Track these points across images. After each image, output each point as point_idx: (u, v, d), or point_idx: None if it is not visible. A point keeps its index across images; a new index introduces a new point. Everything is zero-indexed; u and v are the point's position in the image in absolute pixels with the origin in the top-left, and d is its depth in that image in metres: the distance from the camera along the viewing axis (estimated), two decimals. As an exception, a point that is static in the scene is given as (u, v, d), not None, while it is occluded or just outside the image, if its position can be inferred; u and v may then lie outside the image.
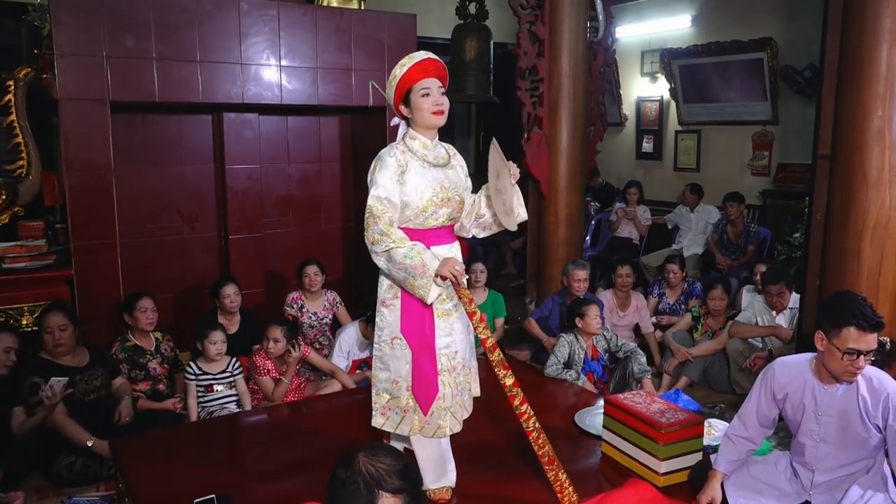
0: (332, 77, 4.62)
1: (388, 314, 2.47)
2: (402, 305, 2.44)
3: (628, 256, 5.98)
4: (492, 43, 6.32)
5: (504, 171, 2.49)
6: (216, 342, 3.73)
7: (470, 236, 2.67)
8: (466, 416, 2.56)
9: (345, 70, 4.66)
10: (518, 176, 2.55)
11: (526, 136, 5.12)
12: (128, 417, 3.51)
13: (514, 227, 2.58)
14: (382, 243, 2.33)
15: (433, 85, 2.40)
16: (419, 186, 2.38)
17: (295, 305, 4.53)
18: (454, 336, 2.49)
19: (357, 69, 4.68)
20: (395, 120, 2.53)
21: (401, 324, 2.44)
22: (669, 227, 6.86)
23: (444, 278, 2.31)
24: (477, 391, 2.66)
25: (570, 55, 4.95)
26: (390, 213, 2.35)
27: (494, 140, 2.49)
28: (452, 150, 2.59)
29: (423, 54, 2.41)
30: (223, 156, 4.64)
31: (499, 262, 7.52)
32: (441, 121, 2.45)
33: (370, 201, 2.35)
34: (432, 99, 2.40)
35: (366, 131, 5.13)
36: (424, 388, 2.42)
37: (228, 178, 4.65)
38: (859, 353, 2.16)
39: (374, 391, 2.52)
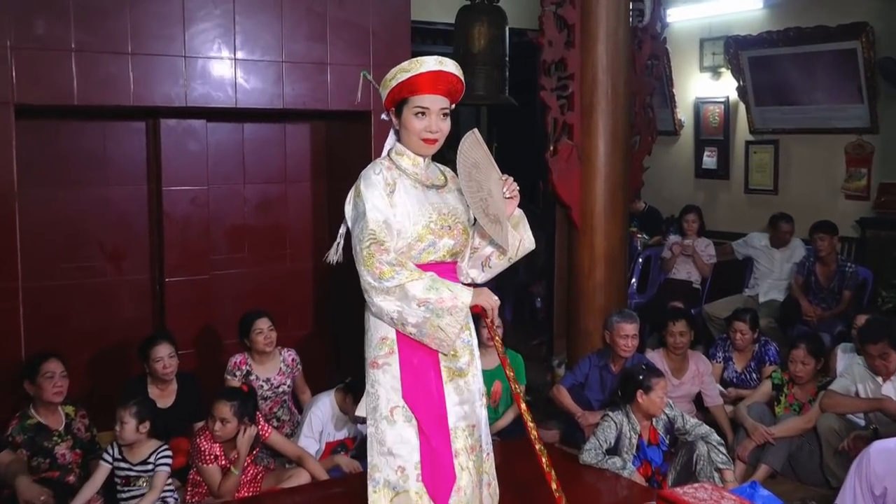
0: (301, 73, 4.66)
1: (383, 376, 2.43)
2: (402, 363, 2.41)
3: (686, 305, 5.93)
4: (507, 29, 6.38)
5: (486, 163, 2.48)
6: (126, 423, 3.65)
7: (468, 281, 2.63)
8: None
9: (318, 64, 4.69)
10: (515, 188, 2.54)
11: (552, 148, 5.14)
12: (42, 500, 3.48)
13: (503, 241, 2.52)
14: (394, 277, 2.30)
15: (434, 106, 2.42)
16: (411, 211, 2.39)
17: (239, 372, 4.42)
18: (471, 405, 2.47)
19: (334, 63, 4.72)
20: (385, 115, 2.55)
21: (402, 388, 2.41)
22: (739, 258, 6.77)
23: (476, 311, 2.33)
24: (496, 489, 2.62)
25: (607, 45, 4.99)
26: (393, 241, 2.35)
27: (476, 130, 2.52)
28: (450, 172, 2.61)
29: (435, 65, 2.40)
30: (159, 174, 4.66)
31: (517, 311, 7.48)
32: (430, 151, 2.48)
33: (370, 225, 2.33)
34: (425, 124, 2.42)
35: (345, 143, 5.15)
36: (438, 474, 2.39)
37: (166, 204, 4.65)
38: None
39: (371, 487, 2.46)
